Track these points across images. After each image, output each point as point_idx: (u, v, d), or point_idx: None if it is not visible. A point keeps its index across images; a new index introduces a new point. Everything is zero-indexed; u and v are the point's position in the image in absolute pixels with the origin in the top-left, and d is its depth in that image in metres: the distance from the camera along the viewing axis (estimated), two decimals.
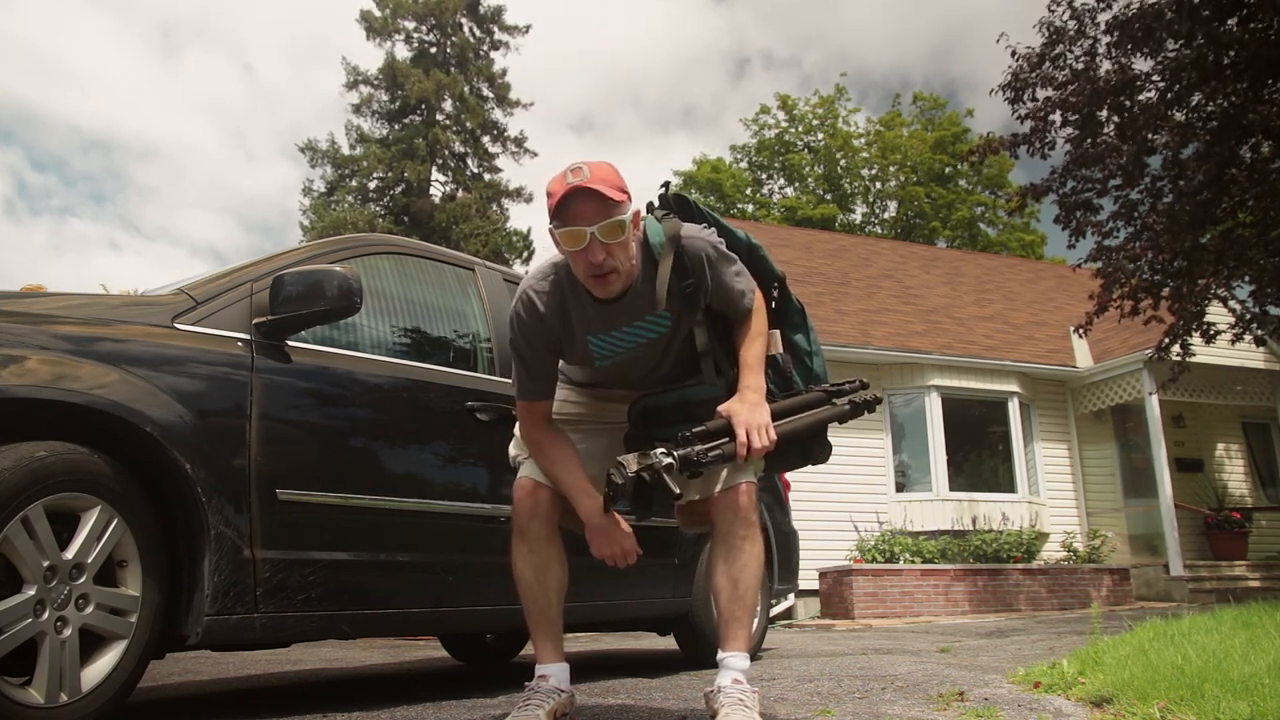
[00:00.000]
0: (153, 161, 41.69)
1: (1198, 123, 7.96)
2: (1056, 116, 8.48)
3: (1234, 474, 12.48)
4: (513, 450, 2.33)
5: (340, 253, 2.93)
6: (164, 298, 2.48)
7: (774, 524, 4.42)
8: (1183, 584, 10.06)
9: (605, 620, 3.67)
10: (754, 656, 3.59)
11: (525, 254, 22.54)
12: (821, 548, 9.35)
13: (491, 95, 23.14)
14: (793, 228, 19.82)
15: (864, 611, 8.64)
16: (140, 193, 43.51)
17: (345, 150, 22.34)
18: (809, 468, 2.32)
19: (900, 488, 10.68)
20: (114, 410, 2.10)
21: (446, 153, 22.44)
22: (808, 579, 7.93)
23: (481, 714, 2.40)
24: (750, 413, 1.98)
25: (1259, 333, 9.06)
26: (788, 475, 4.75)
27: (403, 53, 22.71)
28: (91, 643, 2.06)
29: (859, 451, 10.24)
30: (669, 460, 1.86)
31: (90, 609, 2.04)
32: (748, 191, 28.76)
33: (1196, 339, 8.75)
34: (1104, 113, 8.37)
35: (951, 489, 10.58)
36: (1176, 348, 8.81)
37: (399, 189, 22.08)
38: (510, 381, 2.33)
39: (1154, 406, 10.65)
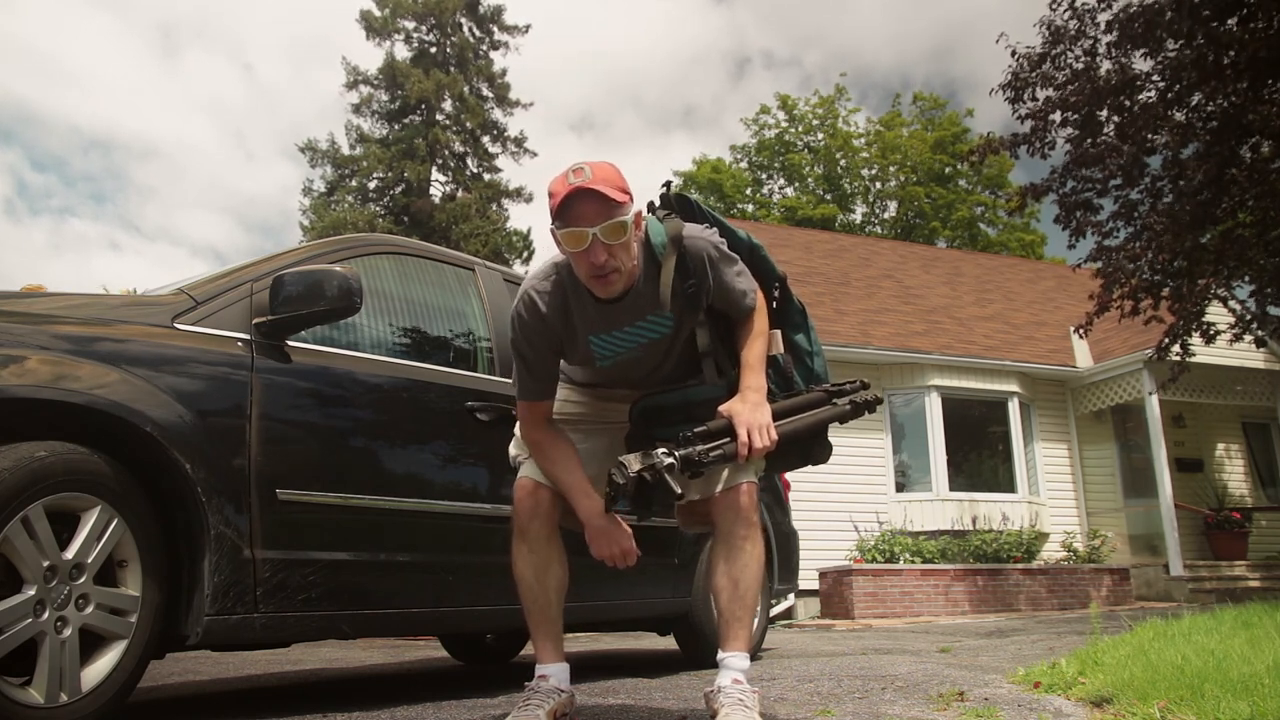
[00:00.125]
0: (153, 161, 41.73)
1: (1198, 123, 7.96)
2: (1056, 116, 8.48)
3: (1234, 474, 12.48)
4: (513, 450, 2.33)
5: (340, 253, 2.93)
6: (164, 298, 2.48)
7: (774, 524, 4.42)
8: (1183, 584, 10.06)
9: (605, 620, 3.67)
10: (754, 656, 3.59)
11: (525, 254, 22.56)
12: (821, 548, 9.35)
13: (491, 95, 23.15)
14: (793, 228, 19.82)
15: (864, 611, 8.63)
16: (140, 193, 43.55)
17: (345, 150, 22.36)
18: (809, 468, 2.32)
19: (900, 488, 10.69)
20: (114, 410, 2.10)
21: (446, 153, 22.44)
22: (808, 579, 7.93)
23: (481, 714, 2.40)
24: (751, 413, 1.98)
25: (1259, 333, 9.05)
26: (788, 475, 4.75)
27: (402, 53, 22.75)
28: (91, 643, 2.06)
29: (859, 451, 10.24)
30: (670, 460, 1.86)
31: (90, 609, 2.04)
32: (748, 191, 28.76)
33: (1196, 339, 8.75)
34: (1104, 113, 8.37)
35: (951, 489, 10.59)
36: (1176, 348, 8.81)
37: (399, 189, 22.09)
38: (510, 381, 2.33)
39: (1154, 406, 10.65)
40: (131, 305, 2.40)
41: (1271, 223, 7.97)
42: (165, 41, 41.72)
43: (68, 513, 2.03)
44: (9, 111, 35.65)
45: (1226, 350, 9.88)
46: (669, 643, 4.36)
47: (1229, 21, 7.38)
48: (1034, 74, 8.43)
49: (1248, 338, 9.09)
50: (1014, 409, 11.15)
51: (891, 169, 28.07)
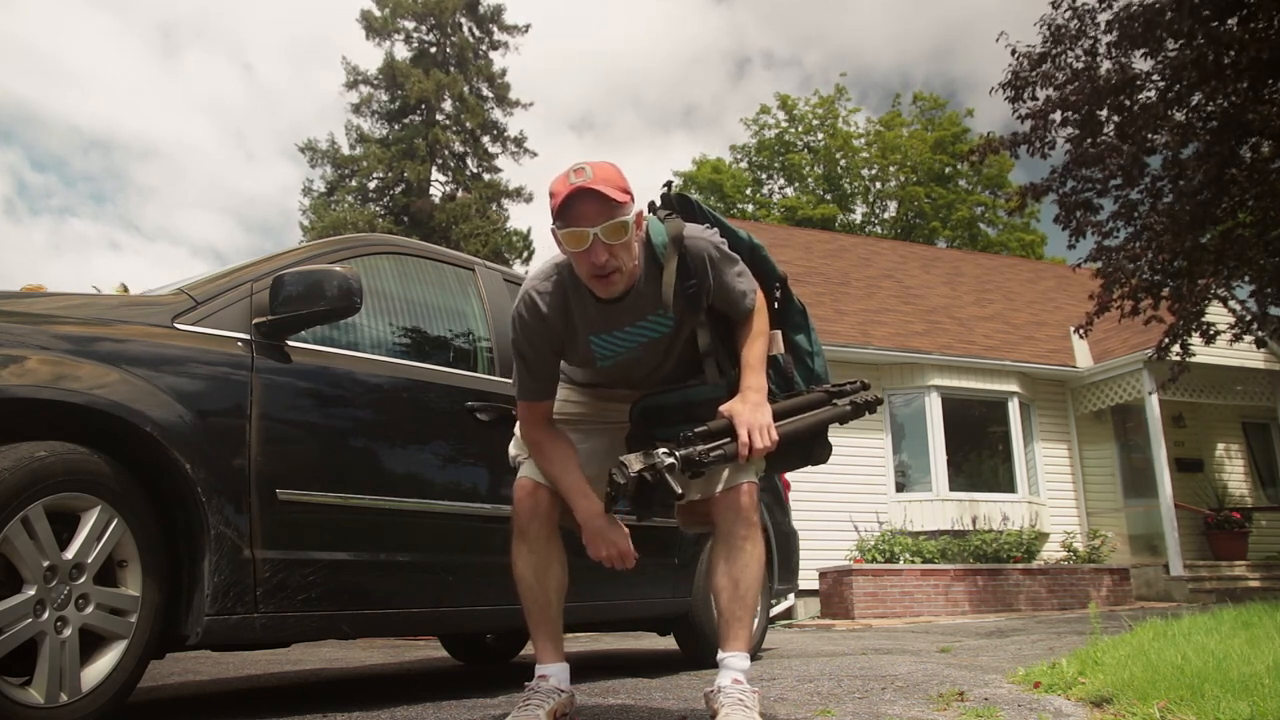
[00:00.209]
0: (153, 161, 41.73)
1: (1198, 123, 7.96)
2: (1056, 116, 8.48)
3: (1234, 474, 12.48)
4: (512, 450, 2.33)
5: (340, 253, 2.93)
6: (164, 298, 2.48)
7: (774, 524, 4.42)
8: (1183, 584, 10.06)
9: (605, 620, 3.67)
10: (754, 656, 3.59)
11: (525, 254, 22.56)
12: (821, 548, 9.34)
13: (491, 95, 23.15)
14: (793, 228, 19.82)
15: (864, 611, 8.63)
16: (140, 193, 43.55)
17: (345, 150, 22.36)
18: (809, 468, 2.32)
19: (900, 488, 10.69)
20: (114, 410, 2.10)
21: (446, 153, 22.44)
22: (808, 579, 7.93)
23: (481, 714, 2.40)
24: (752, 413, 1.98)
25: (1259, 333, 9.05)
26: (788, 475, 4.75)
27: (402, 53, 22.75)
28: (91, 643, 2.05)
29: (859, 451, 10.24)
30: (671, 460, 1.86)
31: (90, 609, 2.04)
32: (748, 192, 28.77)
33: (1196, 339, 8.75)
34: (1104, 112, 8.37)
35: (951, 489, 10.59)
36: (1176, 348, 8.81)
37: (399, 189, 22.09)
38: (510, 381, 2.33)
39: (1154, 406, 10.65)
40: (131, 305, 2.40)
41: (1271, 223, 7.97)
42: (165, 41, 41.75)
43: (68, 513, 2.03)
44: (9, 111, 35.67)
45: (1226, 350, 9.88)
46: (669, 643, 4.36)
47: (1229, 21, 7.38)
48: (1034, 73, 8.43)
49: (1248, 338, 9.09)
50: (1014, 409, 11.15)
51: (891, 169, 28.07)
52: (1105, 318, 9.26)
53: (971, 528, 10.12)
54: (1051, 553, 10.72)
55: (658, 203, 2.26)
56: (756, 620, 2.92)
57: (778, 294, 2.32)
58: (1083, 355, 11.94)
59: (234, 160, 40.66)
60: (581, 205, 1.93)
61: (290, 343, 2.58)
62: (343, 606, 2.54)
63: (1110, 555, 10.67)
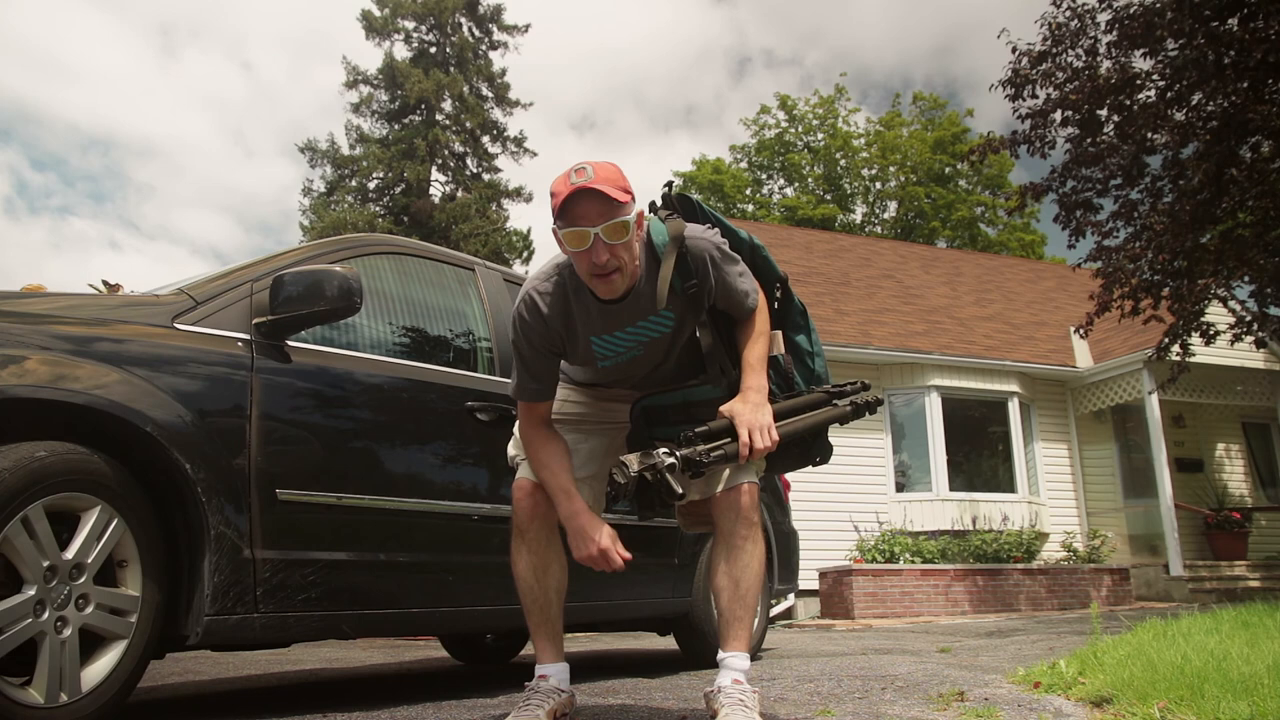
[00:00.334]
0: (152, 160, 41.73)
1: (1198, 123, 7.95)
2: (1057, 115, 8.48)
3: (1234, 474, 12.48)
4: (511, 450, 2.33)
5: (340, 253, 2.93)
6: (164, 298, 2.48)
7: (774, 524, 4.42)
8: (1183, 584, 10.06)
9: (605, 620, 3.66)
10: (754, 656, 3.59)
11: (525, 254, 22.55)
12: (821, 548, 9.35)
13: (491, 95, 23.14)
14: (793, 228, 19.82)
15: (864, 611, 8.63)
16: (139, 191, 43.57)
17: (345, 150, 22.35)
18: (809, 468, 2.32)
19: (900, 488, 10.69)
20: (114, 410, 2.10)
21: (446, 153, 22.43)
22: (808, 579, 7.93)
23: (481, 714, 2.40)
24: (753, 413, 1.98)
25: (1260, 334, 9.05)
26: (788, 475, 4.75)
27: (402, 52, 22.74)
28: (91, 643, 2.06)
29: (859, 451, 10.24)
30: (671, 460, 1.86)
31: (90, 609, 2.04)
32: (748, 192, 28.77)
33: (1196, 339, 8.75)
34: (1104, 112, 8.36)
35: (951, 489, 10.59)
36: (1176, 348, 8.81)
37: (399, 189, 22.08)
38: (510, 381, 2.33)
39: (1154, 406, 10.65)
40: (131, 305, 2.40)
41: (1271, 223, 7.97)
42: (164, 39, 41.77)
43: (68, 513, 2.03)
44: (8, 110, 35.67)
45: (1226, 350, 9.88)
46: (669, 643, 4.36)
47: (1229, 21, 7.38)
48: (1035, 71, 8.42)
49: (1248, 338, 9.09)
50: (1014, 409, 11.15)
51: (891, 169, 28.07)
52: (1105, 318, 9.26)
53: (971, 528, 10.13)
54: (1051, 553, 10.72)
55: (659, 203, 2.27)
56: (757, 620, 2.92)
57: (778, 294, 2.32)
58: (1083, 355, 11.94)
59: (233, 159, 40.71)
60: (583, 205, 1.93)
61: (290, 343, 2.58)
62: (343, 606, 2.54)
63: (1110, 555, 10.67)
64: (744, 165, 29.38)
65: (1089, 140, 8.48)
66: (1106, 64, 8.29)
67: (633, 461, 1.87)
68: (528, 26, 23.42)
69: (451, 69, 22.57)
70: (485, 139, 23.04)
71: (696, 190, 26.83)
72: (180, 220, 42.85)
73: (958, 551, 9.66)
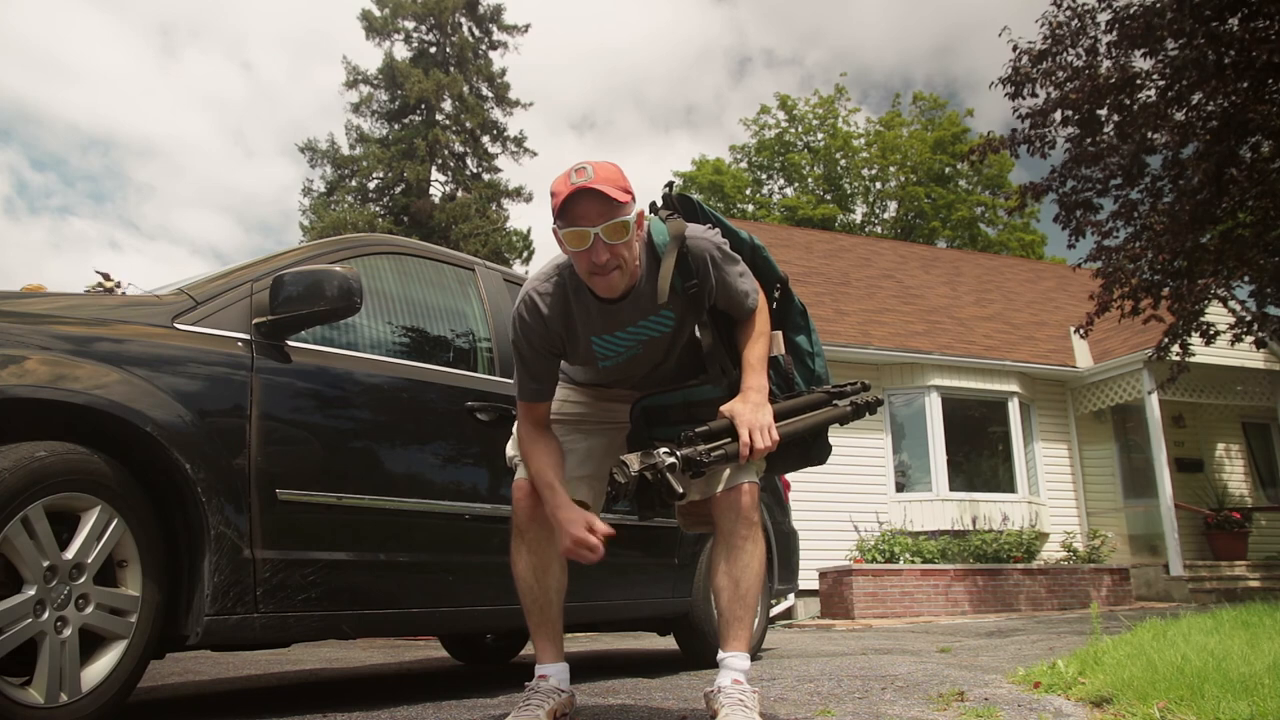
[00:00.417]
0: (152, 160, 41.73)
1: (1197, 122, 7.95)
2: (1057, 115, 8.48)
3: (1234, 474, 12.48)
4: (510, 451, 2.33)
5: (340, 253, 2.93)
6: (164, 298, 2.48)
7: (774, 524, 4.42)
8: (1182, 584, 10.06)
9: (605, 620, 3.67)
10: (754, 656, 3.59)
11: (525, 254, 22.55)
12: (821, 548, 9.34)
13: (491, 95, 23.14)
14: (793, 228, 19.82)
15: (864, 611, 8.63)
16: (139, 191, 43.57)
17: (345, 150, 22.35)
18: (809, 468, 2.32)
19: (900, 488, 10.69)
20: (114, 410, 2.10)
21: (446, 153, 22.43)
22: (808, 579, 7.93)
23: (481, 714, 2.40)
24: (753, 413, 1.98)
25: (1260, 334, 9.05)
26: (787, 475, 4.75)
27: (402, 52, 22.74)
28: (91, 643, 2.06)
29: (859, 451, 10.24)
30: (672, 460, 1.86)
31: (90, 609, 2.04)
32: (748, 192, 28.77)
33: (1196, 339, 8.75)
34: (1104, 111, 8.36)
35: (951, 489, 10.59)
36: (1176, 348, 8.81)
37: (399, 189, 22.08)
38: (511, 381, 2.33)
39: (1154, 406, 10.65)
40: (131, 305, 2.40)
41: (1271, 223, 7.97)
42: (164, 39, 41.77)
43: (68, 513, 2.03)
44: (8, 110, 35.67)
45: (1226, 350, 9.87)
46: (669, 643, 4.36)
47: (1230, 21, 7.38)
48: (1035, 69, 8.42)
49: (1248, 338, 9.09)
50: (1014, 409, 11.15)
51: (891, 169, 28.07)
52: (1105, 318, 9.26)
53: (971, 528, 10.12)
54: (1051, 553, 10.72)
55: (659, 203, 2.27)
56: (757, 620, 2.92)
57: (778, 295, 2.33)
58: (1083, 355, 11.93)
59: (233, 158, 40.71)
60: (583, 205, 1.93)
61: (290, 343, 2.58)
62: (343, 606, 2.54)
63: (1110, 555, 10.67)
64: (744, 165, 29.38)
65: (1089, 140, 8.48)
66: (1106, 64, 8.29)
67: (633, 461, 1.87)
68: (528, 26, 23.44)
69: (451, 69, 22.57)
70: (485, 139, 23.04)
71: (697, 190, 26.83)
72: (180, 220, 42.88)
73: (958, 551, 9.66)
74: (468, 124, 22.53)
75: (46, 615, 1.94)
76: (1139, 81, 8.11)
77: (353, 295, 2.51)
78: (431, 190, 21.98)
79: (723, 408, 2.01)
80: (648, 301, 2.08)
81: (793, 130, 28.75)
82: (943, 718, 2.24)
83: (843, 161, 28.43)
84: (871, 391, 2.32)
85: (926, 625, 7.82)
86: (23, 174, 43.27)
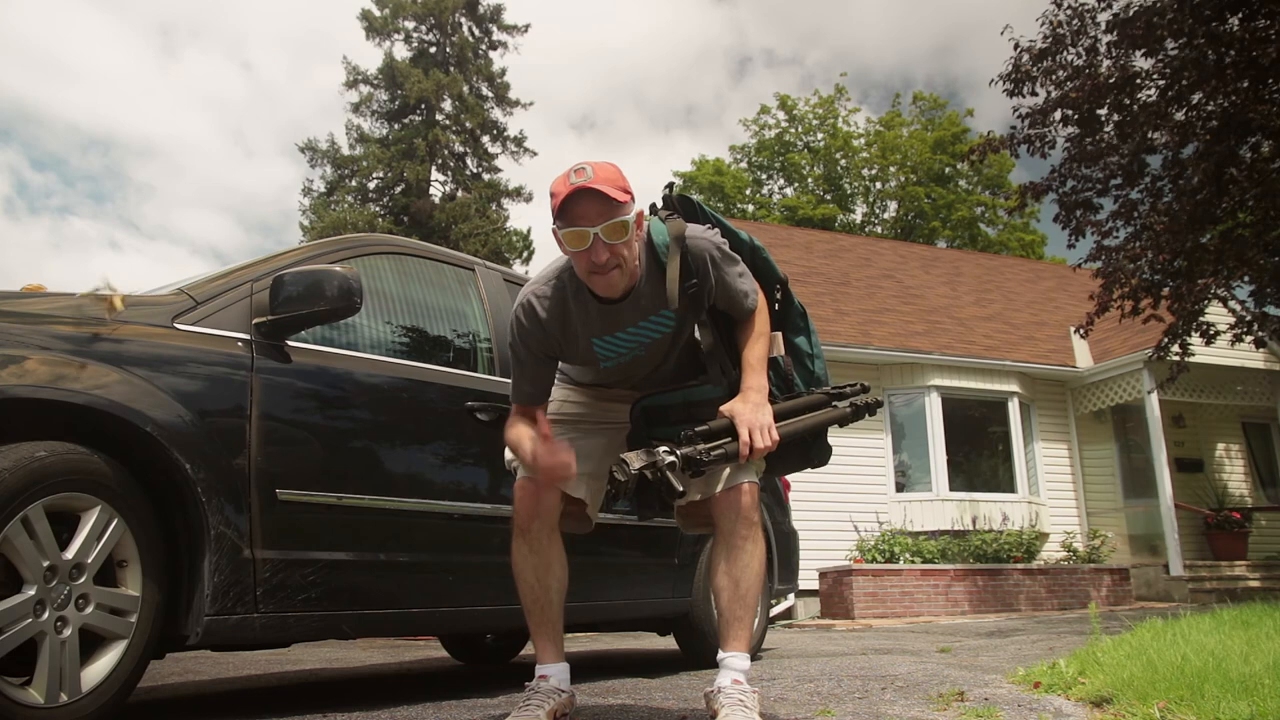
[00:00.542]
0: (152, 160, 41.72)
1: (1197, 122, 7.95)
2: (1057, 115, 8.47)
3: (1234, 474, 12.48)
4: (509, 454, 2.33)
5: (340, 253, 2.93)
6: (164, 298, 2.48)
7: (774, 524, 4.42)
8: (1182, 584, 10.06)
9: (605, 620, 3.66)
10: (754, 656, 3.59)
11: (525, 254, 22.55)
12: (821, 548, 9.34)
13: (491, 95, 23.14)
14: (793, 228, 19.82)
15: (864, 611, 8.63)
16: (139, 191, 43.56)
17: (345, 150, 22.35)
18: (808, 469, 2.32)
19: (900, 488, 10.69)
20: (114, 410, 2.10)
21: (446, 153, 22.43)
22: (808, 579, 7.93)
23: (481, 714, 2.40)
24: (753, 413, 1.98)
25: (1260, 334, 9.05)
26: (787, 476, 4.75)
27: (402, 52, 22.74)
28: (91, 643, 2.06)
29: (859, 452, 10.24)
30: (672, 458, 1.86)
31: (90, 609, 2.04)
32: (748, 192, 28.77)
33: (1196, 339, 8.75)
34: (1104, 111, 8.36)
35: (951, 489, 10.59)
36: (1176, 348, 8.81)
37: (399, 189, 22.08)
38: (510, 381, 2.33)
39: (1154, 406, 10.65)
40: (131, 305, 2.39)
41: (1271, 223, 7.97)
42: (164, 39, 41.77)
43: (68, 513, 2.03)
44: (8, 110, 35.67)
45: (1226, 350, 9.87)
46: (669, 643, 4.36)
47: (1230, 21, 7.38)
48: (1036, 68, 8.41)
49: (1248, 338, 9.09)
50: (1014, 409, 11.15)
51: (891, 169, 28.07)
52: (1105, 318, 9.25)
53: (971, 528, 10.12)
54: (1051, 553, 10.72)
55: (659, 204, 2.27)
56: (757, 620, 2.92)
57: (778, 296, 2.33)
58: (1083, 355, 11.93)
59: (233, 159, 40.70)
60: (582, 205, 1.93)
61: (290, 343, 2.58)
62: (343, 606, 2.54)
63: (1110, 555, 10.67)
64: (744, 165, 29.38)
65: (1089, 139, 8.48)
66: (1106, 63, 8.29)
67: (633, 459, 1.87)
68: (528, 26, 23.44)
69: (451, 69, 22.57)
70: (485, 139, 23.04)
71: (697, 191, 26.83)
72: (180, 220, 42.87)
73: (958, 551, 9.66)
74: (468, 124, 22.53)
75: (46, 615, 1.94)
76: (1139, 81, 8.11)
77: (353, 295, 2.51)
78: (431, 190, 21.98)
79: (723, 407, 2.01)
80: (648, 302, 2.08)
81: (793, 130, 28.75)
82: (943, 718, 2.24)
83: (843, 161, 28.43)
84: (871, 393, 2.32)
85: (926, 625, 7.82)
86: (23, 174, 43.28)
